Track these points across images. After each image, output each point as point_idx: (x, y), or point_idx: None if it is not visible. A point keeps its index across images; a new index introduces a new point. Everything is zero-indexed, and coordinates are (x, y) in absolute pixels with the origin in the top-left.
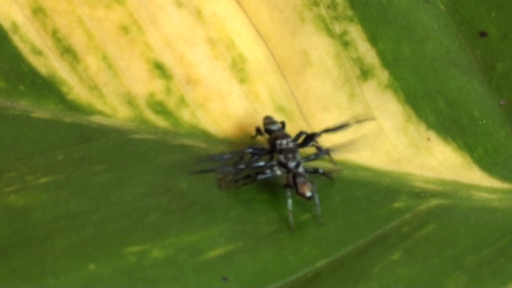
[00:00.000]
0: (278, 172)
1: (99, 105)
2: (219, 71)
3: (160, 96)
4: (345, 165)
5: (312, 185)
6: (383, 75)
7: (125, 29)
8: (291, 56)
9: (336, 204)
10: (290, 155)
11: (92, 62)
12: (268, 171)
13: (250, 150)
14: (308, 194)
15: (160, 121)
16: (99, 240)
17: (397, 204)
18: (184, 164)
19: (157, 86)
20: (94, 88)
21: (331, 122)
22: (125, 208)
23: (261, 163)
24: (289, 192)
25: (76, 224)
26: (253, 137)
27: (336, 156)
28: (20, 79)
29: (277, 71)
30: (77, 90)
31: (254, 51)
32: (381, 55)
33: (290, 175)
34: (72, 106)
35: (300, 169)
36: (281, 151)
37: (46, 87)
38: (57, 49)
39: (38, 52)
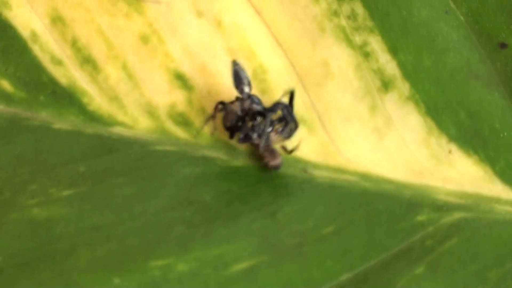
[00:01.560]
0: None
1: (120, 116)
2: None
3: (181, 107)
4: (367, 177)
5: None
6: (404, 87)
7: (145, 39)
8: (311, 67)
9: (359, 217)
10: (259, 119)
11: (112, 72)
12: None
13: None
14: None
15: (181, 133)
16: (124, 254)
17: (420, 217)
18: (207, 176)
19: (178, 97)
20: (114, 98)
21: (352, 134)
22: (149, 221)
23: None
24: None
25: (100, 237)
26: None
27: (352, 167)
28: (40, 89)
29: (298, 82)
30: (97, 101)
31: (274, 62)
32: (402, 66)
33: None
34: (93, 117)
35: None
36: (252, 115)
37: (66, 98)
38: (77, 59)
39: (58, 62)
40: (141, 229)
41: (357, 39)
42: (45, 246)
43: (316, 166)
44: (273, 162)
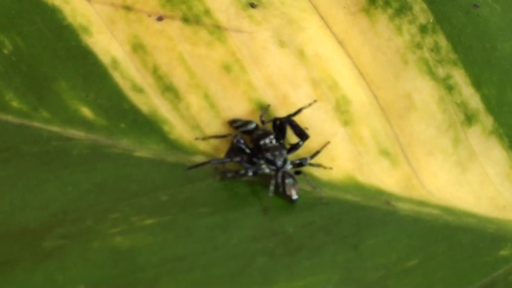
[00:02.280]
0: (267, 170)
1: (201, 145)
2: (322, 113)
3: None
4: (450, 211)
5: (298, 187)
6: (488, 121)
7: (227, 68)
8: (394, 99)
9: (442, 250)
10: (276, 153)
11: (193, 100)
12: (255, 169)
13: (238, 141)
14: (295, 197)
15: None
16: (207, 284)
17: (503, 252)
18: (289, 207)
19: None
20: (196, 127)
21: (435, 168)
22: (232, 252)
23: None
24: (272, 187)
25: (184, 267)
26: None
27: (434, 200)
28: (121, 116)
29: (381, 114)
30: (179, 129)
31: (357, 93)
32: (485, 100)
33: (279, 174)
34: (174, 146)
35: (288, 167)
36: (267, 149)
37: (147, 126)
38: (158, 86)
39: (139, 90)
40: (224, 260)
41: (441, 71)
42: (128, 275)
43: (399, 198)
44: (290, 193)
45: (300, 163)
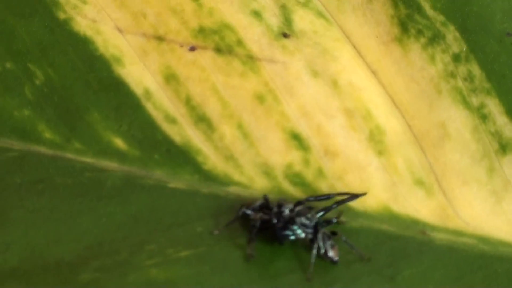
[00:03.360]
0: (302, 235)
1: (236, 176)
2: (356, 143)
3: (297, 167)
4: (485, 240)
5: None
6: None
7: (260, 98)
8: (428, 128)
9: (478, 280)
10: (309, 215)
11: (227, 131)
12: (291, 233)
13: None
14: (336, 259)
15: (298, 193)
16: None
17: None
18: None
19: (294, 157)
20: (230, 158)
21: (470, 197)
22: (268, 285)
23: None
24: (314, 251)
25: None
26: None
27: (470, 230)
28: (154, 147)
29: (415, 144)
30: (213, 160)
31: (391, 123)
32: None
33: (319, 234)
34: (208, 176)
35: (322, 228)
36: (298, 214)
37: (181, 156)
38: (191, 117)
39: (171, 120)
40: None
41: (474, 101)
42: None
43: (434, 228)
44: (332, 254)
45: (330, 221)
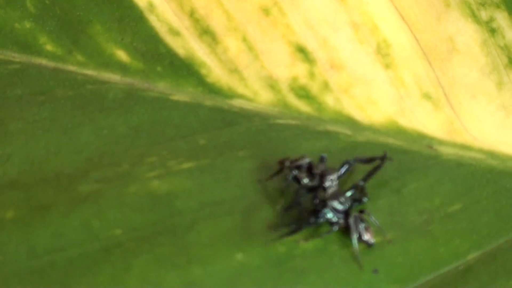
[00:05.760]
0: (334, 220)
1: (240, 89)
2: (363, 56)
3: (303, 80)
4: (494, 155)
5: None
6: None
7: (266, 11)
8: (436, 42)
9: (486, 195)
10: (342, 199)
11: (231, 44)
12: (320, 217)
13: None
14: (372, 241)
15: (303, 106)
16: (247, 229)
17: None
18: (329, 151)
19: (299, 70)
20: (234, 71)
21: (478, 111)
22: (272, 196)
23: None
24: (354, 239)
25: (222, 211)
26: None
27: (478, 144)
28: (157, 60)
29: (423, 57)
30: (216, 73)
31: (398, 36)
32: None
33: (351, 220)
34: (212, 89)
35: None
36: (330, 197)
37: (184, 69)
38: (195, 30)
39: (175, 33)
40: (264, 204)
41: (483, 14)
42: (165, 220)
43: (441, 142)
44: (367, 239)
45: (359, 199)
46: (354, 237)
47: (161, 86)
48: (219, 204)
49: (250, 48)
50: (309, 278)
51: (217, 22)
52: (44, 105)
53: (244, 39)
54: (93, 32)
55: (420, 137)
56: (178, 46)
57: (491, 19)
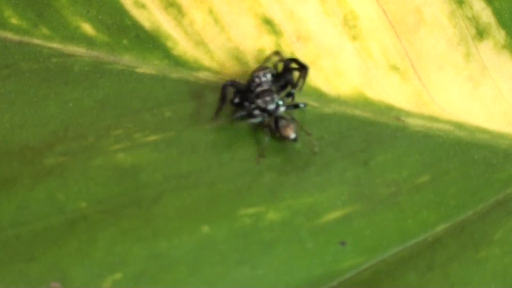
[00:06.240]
0: (259, 119)
1: (206, 61)
2: (330, 28)
3: (269, 52)
4: (462, 126)
5: (295, 126)
6: (500, 35)
7: None
8: (403, 14)
9: (454, 166)
10: (268, 98)
11: (197, 16)
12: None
13: (229, 83)
14: (293, 136)
15: None
16: (212, 201)
17: None
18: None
19: (266, 42)
20: (200, 43)
21: (447, 82)
22: (238, 168)
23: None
24: (267, 130)
25: (188, 184)
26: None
27: (446, 116)
28: (123, 33)
29: (390, 29)
30: (182, 45)
31: (365, 8)
32: (497, 14)
33: (272, 119)
34: (178, 62)
35: (281, 110)
36: (257, 95)
37: (150, 42)
38: (161, 2)
39: (141, 5)
40: (230, 176)
41: None
42: (131, 193)
43: (409, 114)
44: (286, 134)
45: (297, 105)
46: (266, 131)
47: (127, 59)
48: (185, 177)
49: (217, 21)
50: (275, 250)
51: None
52: (9, 79)
53: (211, 12)
54: (59, 5)
55: (388, 109)
56: (143, 18)
57: None
